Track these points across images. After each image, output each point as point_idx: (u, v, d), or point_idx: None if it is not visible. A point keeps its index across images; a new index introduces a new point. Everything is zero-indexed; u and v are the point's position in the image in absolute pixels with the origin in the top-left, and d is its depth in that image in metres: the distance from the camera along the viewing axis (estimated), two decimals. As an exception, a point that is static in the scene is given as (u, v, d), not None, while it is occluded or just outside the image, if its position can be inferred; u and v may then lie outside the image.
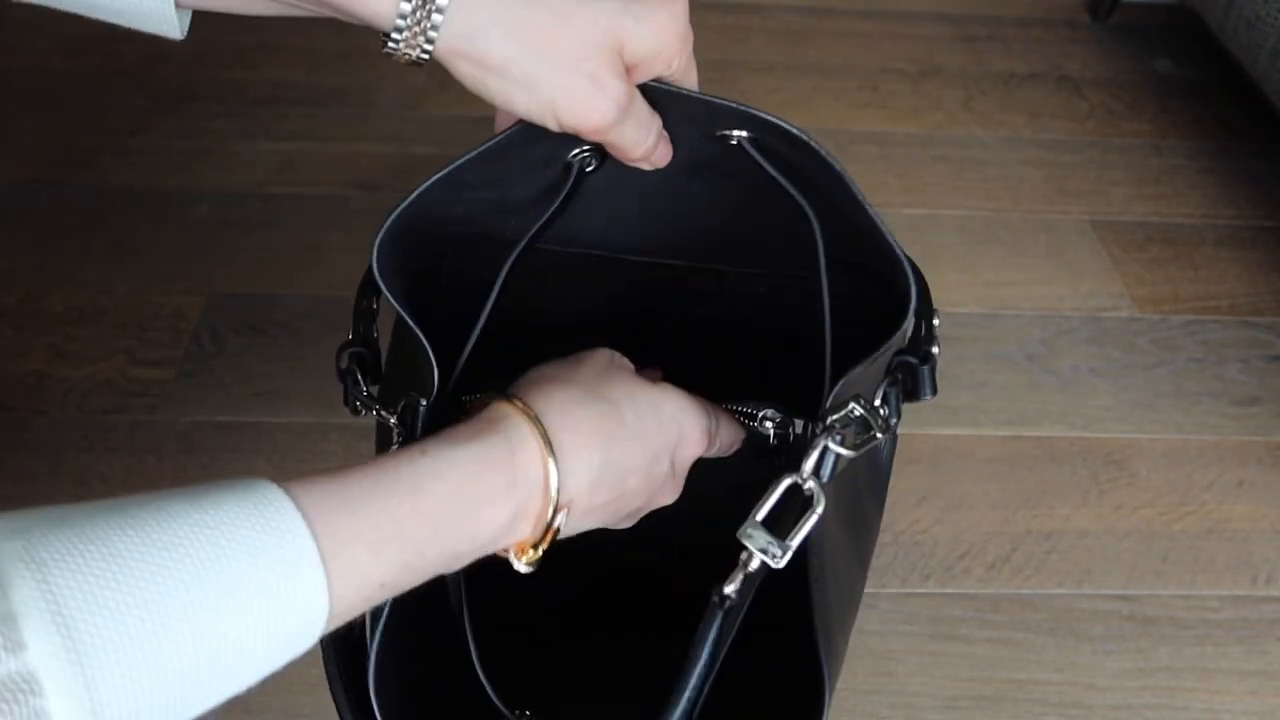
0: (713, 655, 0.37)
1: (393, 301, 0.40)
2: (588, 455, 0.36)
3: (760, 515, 0.37)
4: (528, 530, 0.35)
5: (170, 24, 0.36)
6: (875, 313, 0.43)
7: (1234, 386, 0.84)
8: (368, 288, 0.46)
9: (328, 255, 0.89)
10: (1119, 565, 0.71)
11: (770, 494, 0.37)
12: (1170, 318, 0.90)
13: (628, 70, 0.38)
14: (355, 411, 0.43)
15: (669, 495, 0.42)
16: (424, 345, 0.39)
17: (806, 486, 0.37)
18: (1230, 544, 0.73)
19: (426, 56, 0.36)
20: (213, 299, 0.84)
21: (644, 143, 0.40)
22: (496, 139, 0.40)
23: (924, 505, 0.74)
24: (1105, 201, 1.02)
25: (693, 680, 0.36)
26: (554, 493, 0.35)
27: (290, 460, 0.73)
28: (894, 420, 0.40)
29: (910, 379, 0.41)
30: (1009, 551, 0.72)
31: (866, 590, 0.55)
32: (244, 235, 0.90)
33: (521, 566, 0.36)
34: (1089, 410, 0.82)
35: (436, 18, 0.34)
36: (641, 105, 0.39)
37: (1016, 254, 0.95)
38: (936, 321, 0.45)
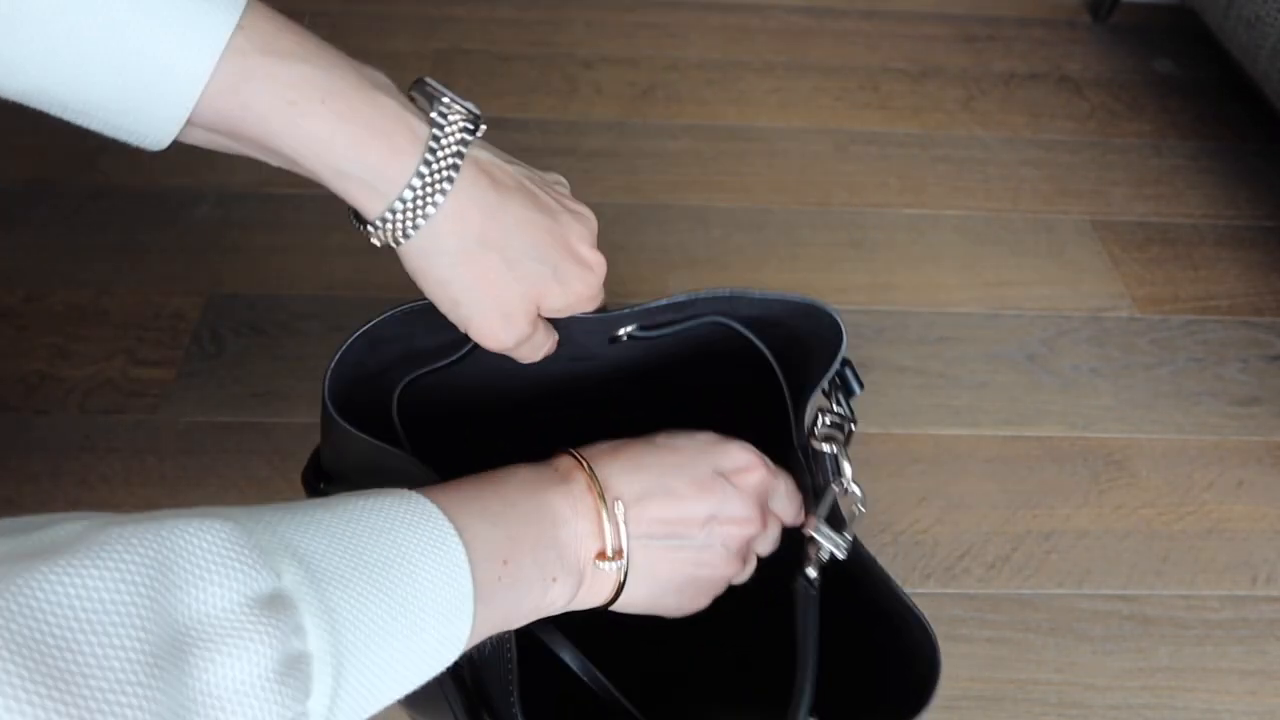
0: (818, 639, 0.42)
1: (352, 430, 0.43)
2: (622, 457, 0.42)
3: (823, 513, 0.44)
4: (591, 528, 0.40)
5: (157, 144, 0.39)
6: (808, 342, 0.50)
7: (1234, 386, 0.84)
8: (316, 470, 0.49)
9: (328, 255, 0.89)
10: (1119, 565, 0.71)
11: (827, 498, 0.45)
12: (1170, 318, 0.90)
13: (540, 315, 0.45)
14: None
15: (742, 511, 0.44)
16: (404, 455, 0.43)
17: (850, 488, 0.44)
18: (1230, 544, 0.73)
19: (388, 246, 0.42)
20: (213, 299, 0.84)
21: (533, 358, 0.46)
22: (416, 303, 0.46)
23: (924, 505, 0.74)
24: (1105, 201, 1.02)
25: (810, 664, 0.41)
26: (598, 480, 0.41)
27: (290, 460, 0.73)
28: (852, 415, 0.47)
29: (842, 381, 0.48)
30: (1009, 551, 0.72)
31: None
32: (244, 235, 0.90)
33: (610, 569, 0.40)
34: (1089, 410, 0.82)
35: (412, 230, 0.40)
36: (541, 332, 0.45)
37: (1016, 254, 0.95)
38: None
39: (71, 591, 0.23)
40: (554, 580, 0.38)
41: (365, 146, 0.38)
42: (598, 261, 0.44)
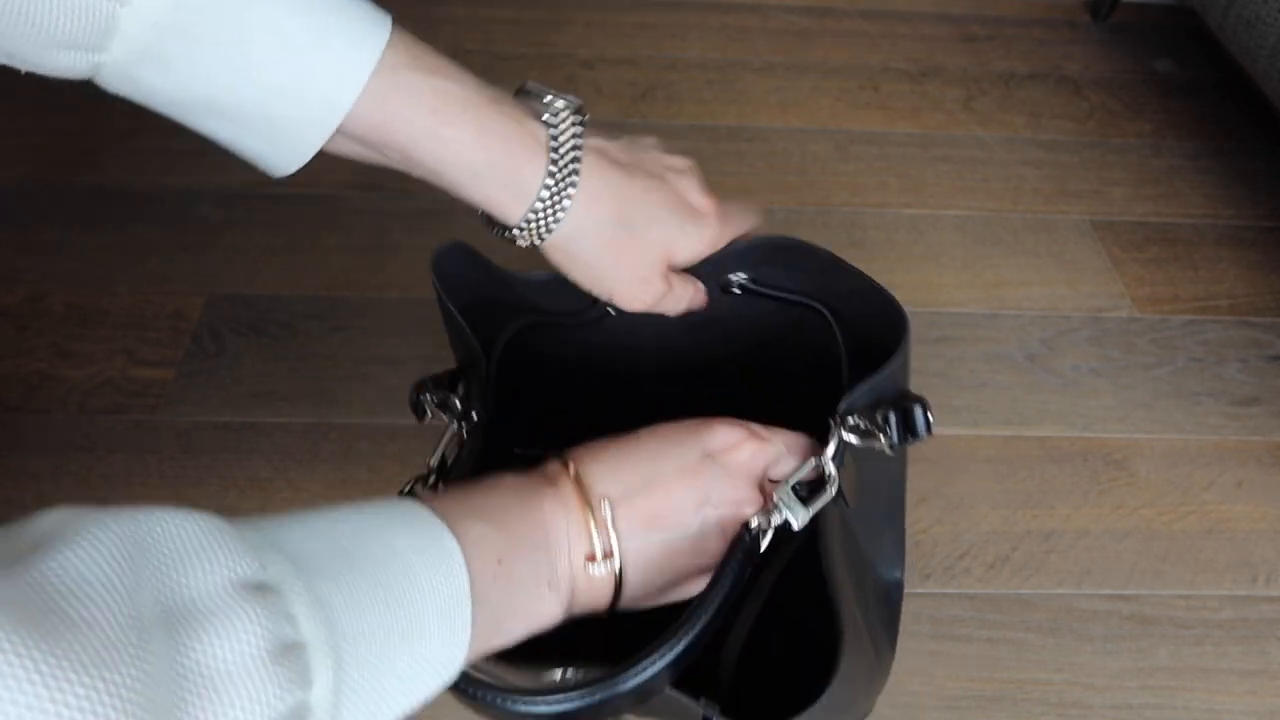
0: (732, 585, 0.40)
1: (444, 299, 0.47)
2: (606, 455, 0.42)
3: (792, 482, 0.42)
4: (580, 530, 0.40)
5: (297, 158, 0.41)
6: (877, 343, 0.50)
7: (1234, 386, 0.84)
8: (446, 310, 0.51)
9: (328, 255, 0.89)
10: (1119, 565, 0.71)
11: (802, 469, 0.43)
12: (1170, 318, 0.90)
13: (672, 269, 0.48)
14: (421, 415, 0.49)
15: (734, 492, 0.43)
16: (464, 329, 0.46)
17: (826, 467, 0.43)
18: (1230, 544, 0.73)
19: (533, 245, 0.45)
20: (213, 299, 0.84)
21: (677, 309, 0.50)
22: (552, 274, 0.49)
23: (924, 505, 0.74)
24: (1105, 201, 1.02)
25: (712, 606, 0.39)
26: (583, 483, 0.41)
27: (290, 460, 0.73)
28: (895, 439, 0.45)
29: (907, 416, 0.47)
30: (1009, 551, 0.72)
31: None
32: (244, 235, 0.90)
33: (601, 570, 0.40)
34: (1089, 410, 0.82)
35: (554, 225, 0.43)
36: (679, 284, 0.49)
37: (1016, 254, 0.95)
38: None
39: (51, 573, 0.23)
40: (548, 586, 0.38)
41: (503, 153, 0.41)
42: (710, 207, 0.47)
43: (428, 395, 0.47)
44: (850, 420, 0.44)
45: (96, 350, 0.80)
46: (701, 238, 0.47)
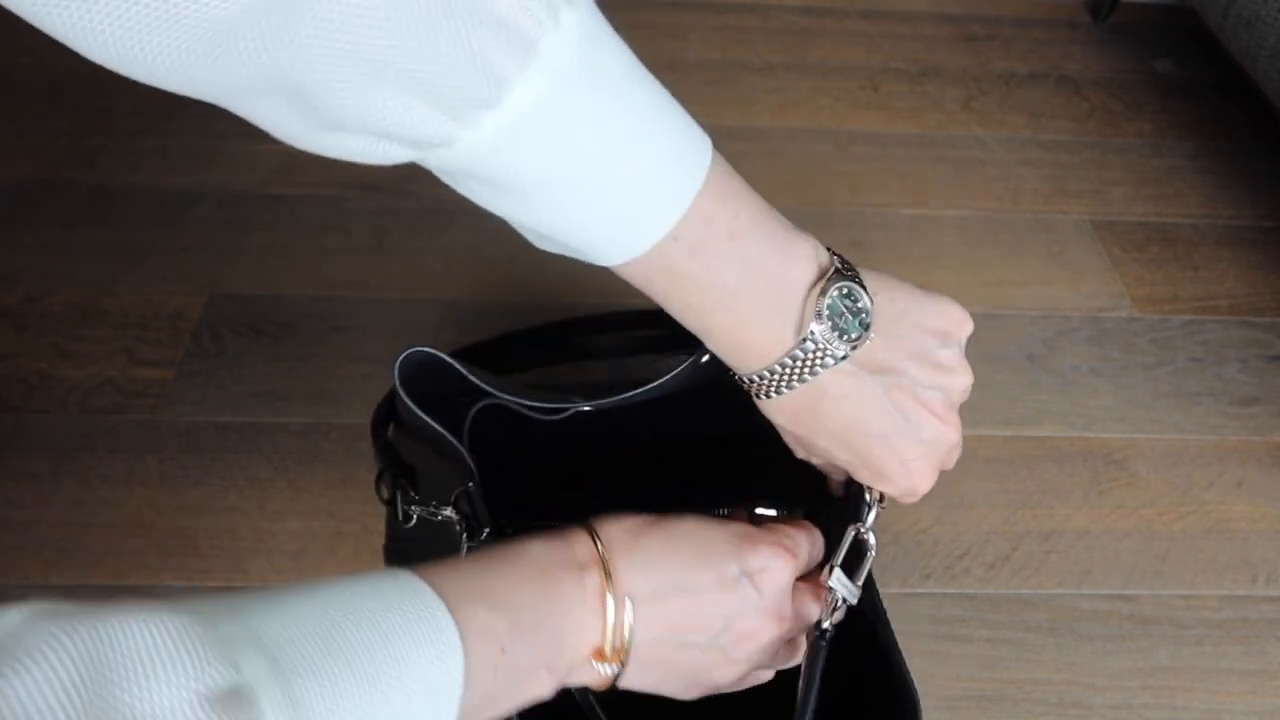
0: (821, 688, 0.41)
1: (416, 410, 0.46)
2: (641, 548, 0.41)
3: (838, 562, 0.43)
4: (596, 623, 0.38)
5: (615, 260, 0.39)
6: None
7: (1234, 386, 0.84)
8: (385, 417, 0.51)
9: (328, 255, 0.89)
10: (1119, 565, 0.71)
11: (844, 544, 0.43)
12: (1170, 318, 0.90)
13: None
14: (407, 519, 0.49)
15: (758, 619, 0.42)
16: (450, 440, 0.44)
17: (868, 539, 0.43)
18: (1230, 544, 0.73)
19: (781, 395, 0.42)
20: (213, 299, 0.84)
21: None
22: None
23: (924, 505, 0.74)
24: (1105, 201, 1.02)
25: (810, 709, 0.40)
26: (612, 578, 0.39)
27: (290, 460, 0.73)
28: None
29: None
30: (1009, 551, 0.72)
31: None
32: (244, 235, 0.90)
33: (605, 670, 0.39)
34: (1089, 410, 0.82)
35: (809, 377, 0.40)
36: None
37: (1016, 254, 0.95)
38: None
39: None
40: (546, 670, 0.37)
41: (741, 329, 0.40)
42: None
43: (396, 492, 0.48)
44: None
45: (96, 350, 0.80)
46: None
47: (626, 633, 0.39)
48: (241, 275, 0.87)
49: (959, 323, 0.43)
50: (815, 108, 1.10)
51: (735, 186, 0.41)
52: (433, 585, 0.33)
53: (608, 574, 0.39)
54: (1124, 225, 0.99)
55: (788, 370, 0.40)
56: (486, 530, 0.45)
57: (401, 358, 0.46)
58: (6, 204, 0.91)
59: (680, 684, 0.42)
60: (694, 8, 1.24)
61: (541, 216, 0.37)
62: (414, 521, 0.48)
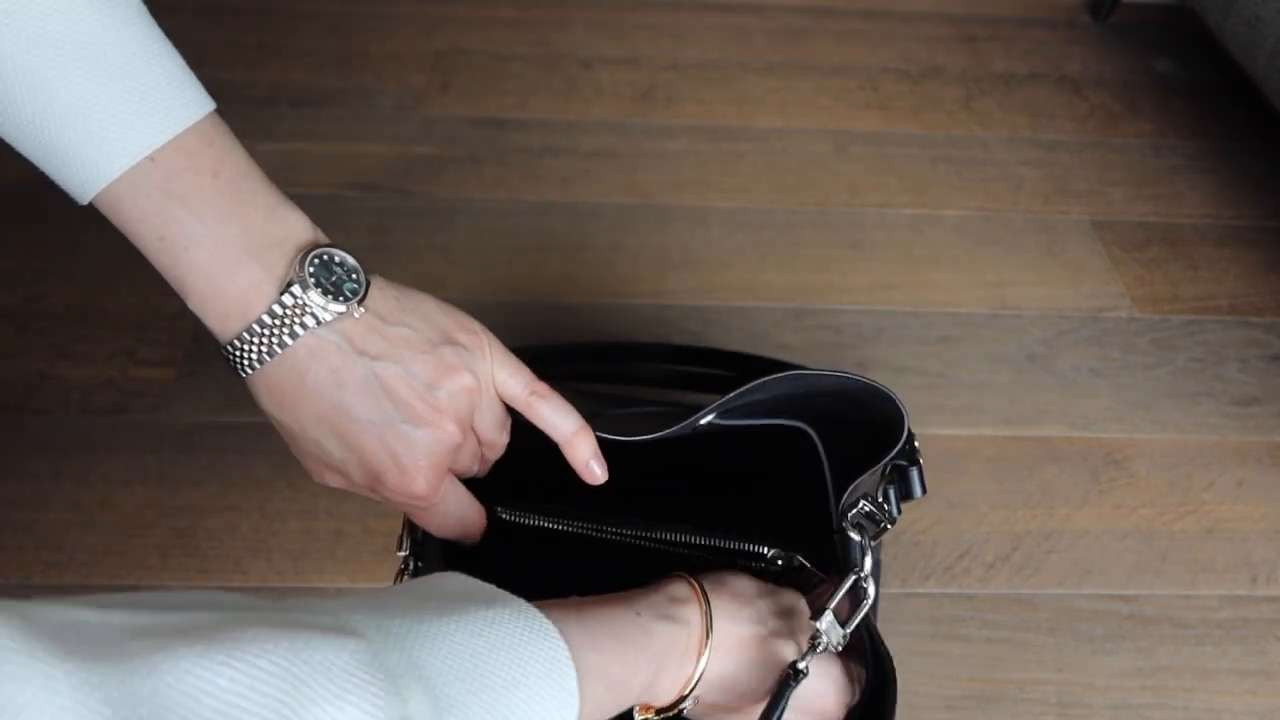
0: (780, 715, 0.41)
1: None
2: (725, 595, 0.44)
3: (833, 604, 0.42)
4: (687, 669, 0.41)
5: (78, 195, 0.40)
6: (863, 433, 0.49)
7: (1234, 386, 0.84)
8: None
9: (328, 255, 0.89)
10: (1119, 565, 0.71)
11: (840, 589, 0.43)
12: (1170, 318, 0.90)
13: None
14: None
15: (789, 646, 0.45)
16: None
17: (865, 586, 0.43)
18: (1230, 544, 0.73)
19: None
20: (213, 299, 0.84)
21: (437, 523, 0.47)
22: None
23: (924, 505, 0.74)
24: (1105, 201, 1.02)
25: None
26: (711, 628, 0.42)
27: (291, 460, 0.73)
28: (896, 514, 0.46)
29: (903, 481, 0.48)
30: (1009, 551, 0.72)
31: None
32: (244, 235, 0.90)
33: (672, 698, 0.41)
34: (1089, 410, 0.82)
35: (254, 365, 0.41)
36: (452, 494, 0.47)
37: (1016, 254, 0.95)
38: (917, 444, 0.51)
39: (203, 686, 0.23)
40: (619, 707, 0.39)
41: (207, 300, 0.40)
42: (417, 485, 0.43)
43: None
44: (852, 515, 0.45)
45: (96, 350, 0.80)
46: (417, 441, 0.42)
47: (697, 674, 0.41)
48: (241, 275, 0.87)
49: (472, 332, 0.43)
50: (815, 108, 1.10)
51: (230, 144, 0.40)
52: (556, 624, 0.35)
53: (708, 628, 0.41)
54: (1124, 225, 0.99)
55: (267, 331, 0.39)
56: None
57: None
58: (6, 204, 0.91)
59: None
60: (694, 8, 1.24)
61: (23, 111, 0.36)
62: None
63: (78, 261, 0.86)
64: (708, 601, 0.42)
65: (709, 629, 0.42)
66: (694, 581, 0.43)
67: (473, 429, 0.44)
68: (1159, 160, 1.07)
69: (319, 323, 0.40)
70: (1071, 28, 1.27)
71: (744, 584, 0.46)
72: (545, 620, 0.35)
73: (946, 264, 0.94)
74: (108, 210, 0.40)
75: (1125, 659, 0.67)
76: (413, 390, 0.41)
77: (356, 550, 0.69)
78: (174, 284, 0.40)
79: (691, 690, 0.41)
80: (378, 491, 0.43)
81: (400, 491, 0.42)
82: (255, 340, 0.40)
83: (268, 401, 0.42)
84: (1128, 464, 0.78)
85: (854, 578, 0.43)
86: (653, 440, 0.47)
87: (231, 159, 0.40)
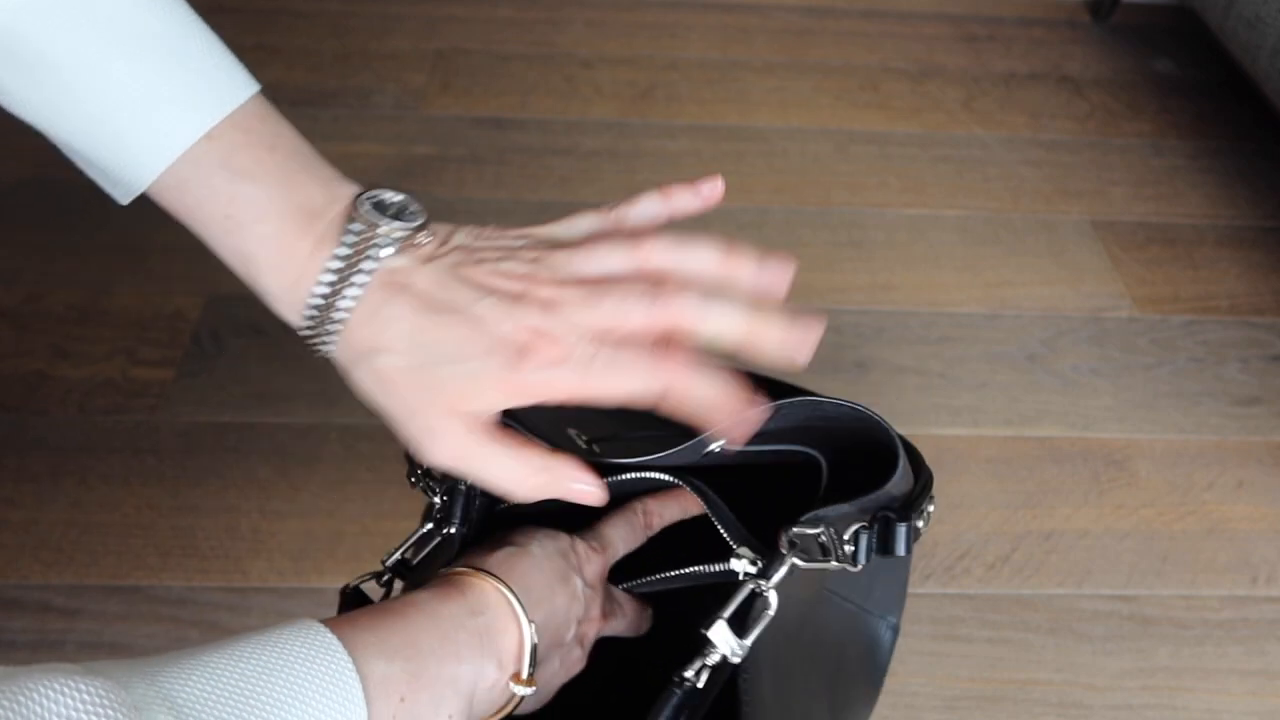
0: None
1: None
2: (516, 575, 0.42)
3: (726, 614, 0.40)
4: (491, 660, 0.39)
5: (123, 195, 0.41)
6: (866, 468, 0.46)
7: (1234, 386, 0.84)
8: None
9: (328, 255, 0.89)
10: (1119, 565, 0.71)
11: (736, 595, 0.40)
12: (1170, 318, 0.90)
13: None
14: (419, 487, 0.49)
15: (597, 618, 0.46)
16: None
17: (769, 596, 0.40)
18: (1230, 544, 0.73)
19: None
20: (213, 300, 0.84)
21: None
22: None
23: (924, 505, 0.74)
24: (1105, 201, 1.02)
25: None
26: (521, 614, 0.40)
27: (290, 460, 0.73)
28: (860, 559, 0.41)
29: (886, 532, 0.42)
30: (1009, 551, 0.72)
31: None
32: (244, 235, 0.90)
33: (524, 691, 0.40)
34: (1089, 410, 0.82)
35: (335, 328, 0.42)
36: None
37: (1016, 254, 0.95)
38: (931, 508, 0.46)
39: None
40: (449, 717, 0.38)
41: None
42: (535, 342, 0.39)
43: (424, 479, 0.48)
44: (800, 537, 0.41)
45: (96, 350, 0.80)
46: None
47: (528, 656, 0.40)
48: (241, 275, 0.87)
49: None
50: (815, 108, 1.10)
51: (281, 120, 0.40)
52: (340, 637, 0.34)
53: (519, 601, 0.40)
54: (1124, 225, 0.99)
55: (339, 278, 0.39)
56: (451, 528, 0.45)
57: None
58: (6, 204, 0.91)
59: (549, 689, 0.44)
60: (694, 7, 1.24)
61: (77, 97, 0.36)
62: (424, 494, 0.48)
63: (78, 261, 0.86)
64: (494, 574, 0.41)
65: (512, 594, 0.40)
66: (477, 568, 0.42)
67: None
68: (1159, 160, 1.07)
69: (388, 252, 0.39)
70: (1071, 28, 1.27)
71: (516, 536, 0.45)
72: (329, 635, 0.34)
73: (946, 264, 0.94)
74: (167, 196, 0.40)
75: (1125, 659, 0.67)
76: (501, 271, 0.39)
77: (356, 550, 0.69)
78: (237, 262, 0.41)
79: (533, 647, 0.40)
80: (522, 370, 0.37)
81: (559, 333, 0.37)
82: (330, 292, 0.40)
83: (363, 370, 0.42)
84: (1128, 464, 0.78)
85: (750, 588, 0.40)
86: (662, 461, 0.46)
87: (285, 133, 0.41)
